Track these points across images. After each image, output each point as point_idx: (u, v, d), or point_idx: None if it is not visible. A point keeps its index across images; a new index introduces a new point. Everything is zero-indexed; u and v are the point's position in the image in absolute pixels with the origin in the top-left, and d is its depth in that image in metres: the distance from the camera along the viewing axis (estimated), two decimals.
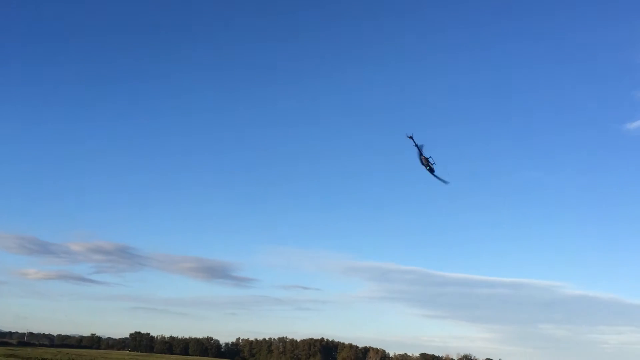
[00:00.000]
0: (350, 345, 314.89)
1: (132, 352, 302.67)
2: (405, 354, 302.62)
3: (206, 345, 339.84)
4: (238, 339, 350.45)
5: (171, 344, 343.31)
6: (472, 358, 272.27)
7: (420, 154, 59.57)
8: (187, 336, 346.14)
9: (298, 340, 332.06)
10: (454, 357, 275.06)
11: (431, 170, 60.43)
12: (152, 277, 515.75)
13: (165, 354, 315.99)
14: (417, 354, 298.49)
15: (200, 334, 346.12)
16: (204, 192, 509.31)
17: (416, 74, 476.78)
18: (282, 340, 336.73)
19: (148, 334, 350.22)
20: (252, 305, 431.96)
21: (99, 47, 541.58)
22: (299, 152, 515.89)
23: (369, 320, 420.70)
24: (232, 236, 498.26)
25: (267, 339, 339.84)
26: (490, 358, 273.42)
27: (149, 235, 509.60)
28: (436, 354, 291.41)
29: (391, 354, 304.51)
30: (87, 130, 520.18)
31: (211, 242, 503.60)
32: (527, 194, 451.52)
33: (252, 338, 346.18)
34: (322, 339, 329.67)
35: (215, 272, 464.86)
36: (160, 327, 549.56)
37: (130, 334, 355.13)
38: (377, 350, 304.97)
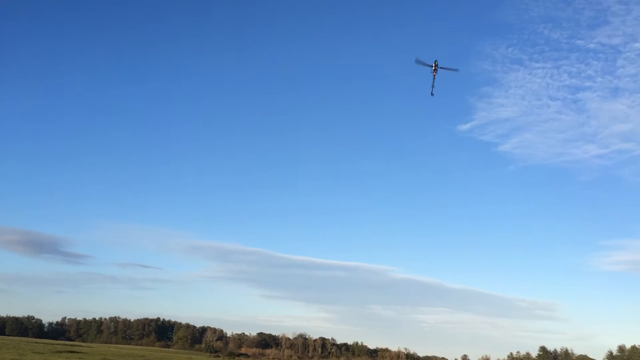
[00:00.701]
0: (187, 325, 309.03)
1: None
2: (243, 333, 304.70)
3: (26, 325, 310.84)
4: (64, 318, 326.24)
5: None
6: (307, 337, 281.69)
7: (433, 67, 72.31)
8: (4, 314, 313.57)
9: (132, 320, 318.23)
10: (290, 336, 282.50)
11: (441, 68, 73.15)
12: None
13: None
14: (254, 334, 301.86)
15: (20, 313, 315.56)
16: (36, 157, 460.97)
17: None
18: (113, 319, 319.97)
19: None
20: (84, 283, 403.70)
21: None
22: (144, 123, 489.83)
23: (209, 300, 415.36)
24: (66, 208, 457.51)
25: (97, 318, 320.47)
26: (323, 336, 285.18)
27: None
28: (273, 333, 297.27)
29: (229, 334, 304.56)
30: None
31: (41, 214, 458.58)
32: (366, 183, 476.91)
33: (80, 317, 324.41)
34: (158, 318, 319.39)
35: (43, 247, 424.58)
36: None
37: None
38: (214, 330, 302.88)
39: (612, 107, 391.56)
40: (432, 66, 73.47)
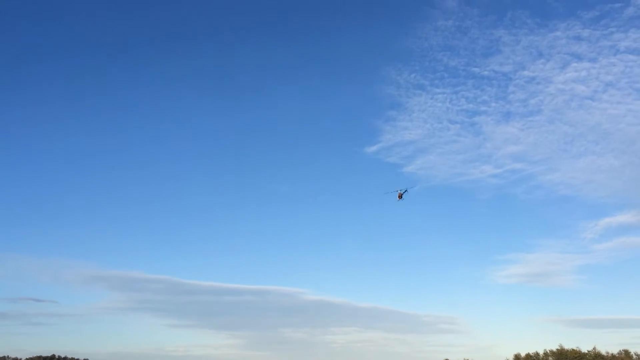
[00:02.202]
0: None
1: None
2: None
3: None
4: None
5: None
6: None
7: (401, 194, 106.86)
8: None
9: (23, 358, 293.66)
10: None
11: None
12: None
13: None
14: None
15: None
16: None
17: None
18: (3, 359, 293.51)
19: None
20: None
21: None
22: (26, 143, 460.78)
23: (110, 334, 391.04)
24: None
25: None
26: None
27: None
28: None
29: None
30: None
31: None
32: (274, 206, 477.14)
33: None
34: (53, 355, 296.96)
35: None
36: None
37: None
38: None
39: (505, 130, 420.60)
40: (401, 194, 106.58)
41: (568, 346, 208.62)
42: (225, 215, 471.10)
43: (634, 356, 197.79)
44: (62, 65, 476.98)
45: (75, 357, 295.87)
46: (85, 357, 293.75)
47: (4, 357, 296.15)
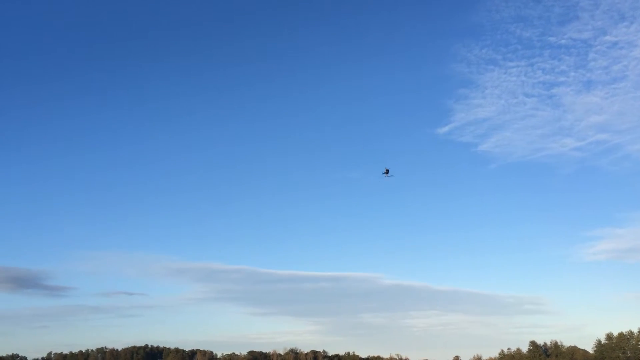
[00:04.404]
0: (177, 350, 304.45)
1: None
2: (233, 353, 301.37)
3: None
4: (49, 353, 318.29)
5: None
6: (298, 351, 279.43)
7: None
8: None
9: (119, 349, 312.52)
10: (281, 352, 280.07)
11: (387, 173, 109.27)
12: None
13: None
14: (244, 352, 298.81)
15: (3, 352, 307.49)
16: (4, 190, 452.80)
17: None
18: (100, 350, 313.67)
19: None
20: (67, 315, 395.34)
21: None
22: (114, 145, 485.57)
23: (196, 323, 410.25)
24: (44, 241, 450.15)
25: (83, 350, 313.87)
26: (315, 349, 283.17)
27: None
28: (264, 351, 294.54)
29: (219, 355, 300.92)
30: None
31: (18, 249, 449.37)
32: (347, 191, 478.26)
33: (66, 351, 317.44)
34: (146, 345, 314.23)
35: (23, 282, 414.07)
36: None
37: None
38: (204, 352, 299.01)
39: (587, 100, 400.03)
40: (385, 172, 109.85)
41: None
42: (299, 205, 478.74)
43: None
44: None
45: (167, 346, 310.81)
46: (176, 346, 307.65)
47: (102, 347, 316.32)
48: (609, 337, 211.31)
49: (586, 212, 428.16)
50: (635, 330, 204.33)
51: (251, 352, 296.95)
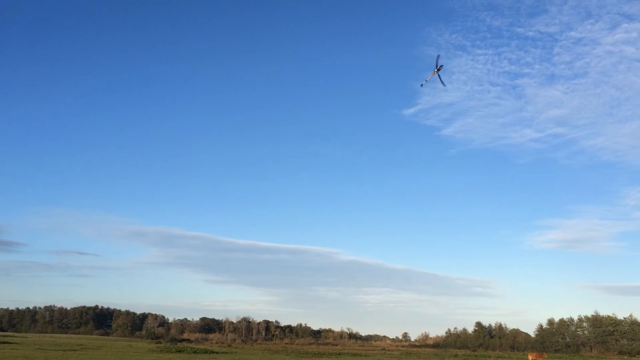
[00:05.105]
0: (127, 312, 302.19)
1: None
2: (185, 318, 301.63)
3: None
4: None
5: None
6: (251, 320, 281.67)
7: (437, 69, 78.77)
8: None
9: (68, 308, 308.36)
10: (234, 320, 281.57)
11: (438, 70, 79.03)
12: None
13: None
14: (197, 319, 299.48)
15: None
16: None
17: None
18: (48, 309, 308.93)
19: None
20: (17, 271, 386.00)
21: None
22: (79, 107, 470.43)
23: (150, 287, 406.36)
24: None
25: (30, 307, 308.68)
26: (268, 319, 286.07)
27: None
28: (216, 318, 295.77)
29: (170, 320, 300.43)
30: None
31: None
32: (313, 166, 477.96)
33: (12, 307, 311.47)
34: (96, 306, 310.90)
35: None
36: None
37: None
38: (155, 316, 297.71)
39: (548, 93, 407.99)
40: (437, 68, 79.92)
41: (604, 313, 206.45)
42: (263, 175, 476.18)
43: None
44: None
45: (117, 308, 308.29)
46: (127, 309, 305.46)
47: (50, 306, 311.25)
48: (550, 322, 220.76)
49: (539, 201, 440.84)
50: (575, 317, 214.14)
51: (203, 319, 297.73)
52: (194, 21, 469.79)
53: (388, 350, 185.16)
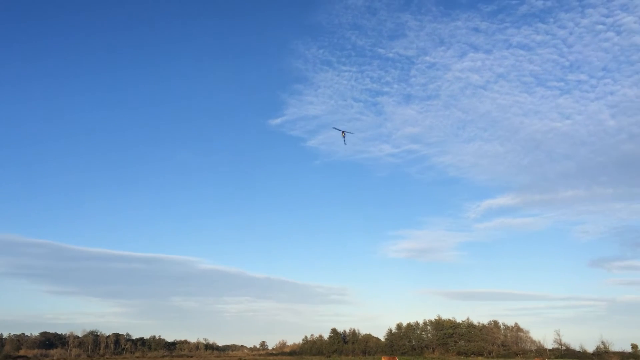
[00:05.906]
0: None
1: None
2: (23, 334, 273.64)
3: None
4: None
5: None
6: (99, 333, 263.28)
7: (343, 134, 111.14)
8: None
9: None
10: (79, 334, 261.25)
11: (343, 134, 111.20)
12: None
13: None
14: (36, 333, 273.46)
15: None
16: None
17: None
18: None
19: None
20: None
21: None
22: None
23: None
24: None
25: None
26: (118, 332, 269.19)
27: None
28: (59, 332, 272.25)
29: (5, 335, 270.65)
30: None
31: None
32: (174, 175, 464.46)
33: None
34: None
35: None
36: None
37: None
38: None
39: (405, 112, 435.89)
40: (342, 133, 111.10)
41: (445, 317, 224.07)
42: (117, 180, 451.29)
43: (502, 326, 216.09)
44: None
45: None
46: None
47: None
48: (399, 326, 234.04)
49: (394, 213, 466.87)
50: (421, 321, 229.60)
51: (43, 334, 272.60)
52: None
53: (245, 359, 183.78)
